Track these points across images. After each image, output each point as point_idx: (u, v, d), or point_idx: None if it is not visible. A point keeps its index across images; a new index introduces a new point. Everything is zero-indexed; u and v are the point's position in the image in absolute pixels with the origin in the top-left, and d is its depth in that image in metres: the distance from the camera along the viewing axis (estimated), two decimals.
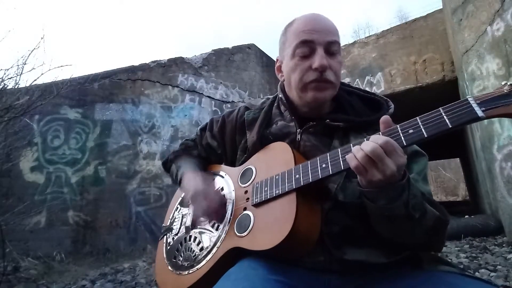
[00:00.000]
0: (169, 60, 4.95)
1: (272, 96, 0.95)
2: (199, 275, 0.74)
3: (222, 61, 5.55)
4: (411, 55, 5.17)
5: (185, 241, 0.85)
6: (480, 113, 0.51)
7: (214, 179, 0.91)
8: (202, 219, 0.82)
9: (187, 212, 0.89)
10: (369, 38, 5.76)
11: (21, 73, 3.25)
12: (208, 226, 0.81)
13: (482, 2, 3.26)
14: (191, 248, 0.81)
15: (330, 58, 0.74)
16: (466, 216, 4.15)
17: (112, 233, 3.97)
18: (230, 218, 0.76)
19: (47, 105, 3.56)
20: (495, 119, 3.09)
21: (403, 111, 0.93)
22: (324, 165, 0.64)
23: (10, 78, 3.19)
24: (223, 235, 0.75)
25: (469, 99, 0.53)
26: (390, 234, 0.65)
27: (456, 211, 6.04)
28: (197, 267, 0.76)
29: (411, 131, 0.56)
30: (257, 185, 0.74)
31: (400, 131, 0.57)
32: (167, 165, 1.06)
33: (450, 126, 0.53)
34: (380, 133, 0.59)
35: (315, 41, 0.73)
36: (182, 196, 0.97)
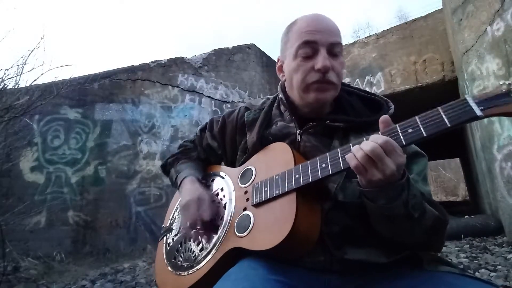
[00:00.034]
0: (169, 60, 4.95)
1: (272, 96, 0.94)
2: (199, 275, 0.74)
3: (222, 61, 5.55)
4: (411, 55, 5.17)
5: (185, 242, 0.85)
6: (478, 112, 0.51)
7: (213, 180, 0.92)
8: (194, 232, 0.81)
9: None
10: (369, 38, 5.76)
11: (21, 73, 3.26)
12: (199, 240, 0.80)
13: (482, 2, 3.26)
14: (191, 249, 0.81)
15: (332, 59, 0.74)
16: (466, 216, 4.15)
17: (112, 233, 3.97)
18: (230, 219, 0.77)
19: (47, 105, 3.56)
20: (495, 119, 3.09)
21: (403, 111, 0.93)
22: (324, 165, 0.64)
23: (10, 78, 3.19)
24: (223, 236, 0.75)
25: (468, 98, 0.53)
26: (389, 233, 0.65)
27: (456, 211, 6.04)
28: (197, 267, 0.76)
29: (410, 130, 0.56)
30: (257, 186, 0.74)
31: (399, 131, 0.57)
32: (166, 168, 1.06)
33: (449, 125, 0.53)
34: (380, 132, 0.60)
35: (318, 42, 0.73)
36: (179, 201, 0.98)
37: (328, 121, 0.76)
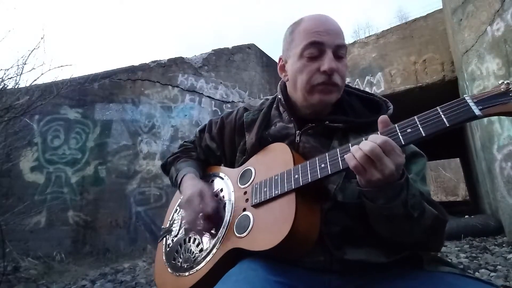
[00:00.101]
0: (169, 60, 4.95)
1: (271, 97, 0.94)
2: (199, 276, 0.74)
3: (222, 61, 5.55)
4: (411, 55, 5.17)
5: (185, 243, 0.84)
6: (477, 111, 0.51)
7: (213, 181, 0.92)
8: (197, 226, 0.80)
9: None
10: (369, 38, 5.76)
11: (21, 73, 3.26)
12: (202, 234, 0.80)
13: (482, 2, 3.26)
14: (191, 250, 0.81)
15: (337, 61, 0.73)
16: (466, 216, 4.15)
17: (112, 233, 3.97)
18: (229, 219, 0.76)
19: (47, 105, 3.56)
20: (495, 119, 3.09)
21: (403, 111, 0.93)
22: (323, 165, 0.64)
23: (10, 78, 3.20)
24: (222, 236, 0.75)
25: (466, 98, 0.53)
26: (389, 233, 0.65)
27: (456, 211, 6.04)
28: (196, 268, 0.76)
29: (409, 130, 0.56)
30: (256, 186, 0.74)
31: (398, 131, 0.58)
32: (166, 167, 1.05)
33: (448, 125, 0.53)
34: (379, 132, 0.60)
35: (325, 43, 0.73)
36: (181, 198, 0.97)
37: (327, 122, 0.76)
